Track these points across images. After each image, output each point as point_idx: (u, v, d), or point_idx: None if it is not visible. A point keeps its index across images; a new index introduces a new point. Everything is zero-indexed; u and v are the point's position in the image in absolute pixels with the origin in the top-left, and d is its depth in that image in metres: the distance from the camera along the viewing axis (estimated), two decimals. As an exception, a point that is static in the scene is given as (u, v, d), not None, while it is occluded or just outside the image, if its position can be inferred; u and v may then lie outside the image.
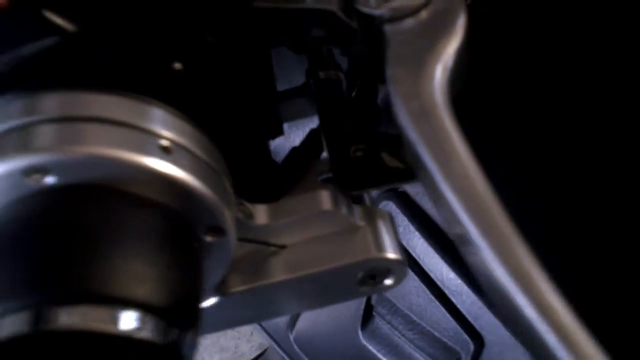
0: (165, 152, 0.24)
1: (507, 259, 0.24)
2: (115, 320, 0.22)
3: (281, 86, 0.36)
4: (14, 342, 0.21)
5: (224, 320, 0.33)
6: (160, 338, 0.22)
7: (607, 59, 0.36)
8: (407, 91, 0.27)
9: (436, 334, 0.55)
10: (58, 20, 0.25)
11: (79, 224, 0.23)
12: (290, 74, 0.36)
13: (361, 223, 0.30)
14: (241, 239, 0.28)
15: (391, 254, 0.30)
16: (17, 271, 0.22)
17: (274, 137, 0.34)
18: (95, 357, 0.21)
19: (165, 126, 0.25)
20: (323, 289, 0.31)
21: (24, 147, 0.23)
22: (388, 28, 0.29)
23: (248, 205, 0.29)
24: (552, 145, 0.36)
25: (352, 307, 0.61)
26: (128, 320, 0.22)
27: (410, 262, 0.51)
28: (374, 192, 0.46)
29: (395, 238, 0.31)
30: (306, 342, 0.67)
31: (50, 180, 0.23)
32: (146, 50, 0.27)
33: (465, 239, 0.25)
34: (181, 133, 0.25)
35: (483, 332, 0.51)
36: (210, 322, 0.31)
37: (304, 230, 0.30)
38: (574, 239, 0.36)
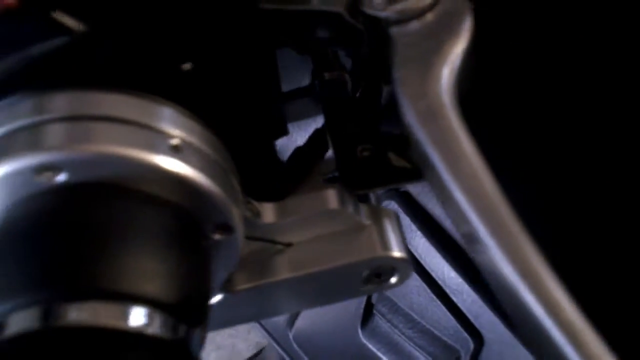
0: (175, 151, 0.24)
1: (515, 257, 0.24)
2: (124, 316, 0.22)
3: (286, 86, 0.36)
4: (24, 338, 0.21)
5: (227, 317, 0.33)
6: (168, 334, 0.23)
7: (617, 59, 0.36)
8: (414, 92, 0.27)
9: (436, 332, 0.55)
10: (67, 21, 0.26)
11: (89, 222, 0.23)
12: (295, 75, 0.36)
13: (367, 222, 0.31)
14: (248, 237, 0.28)
15: (397, 253, 0.30)
16: (28, 268, 0.23)
17: (279, 136, 0.34)
18: (105, 353, 0.21)
19: (174, 125, 0.25)
20: (328, 287, 0.31)
21: (35, 146, 0.23)
22: (394, 30, 0.29)
23: (255, 203, 0.29)
24: (560, 144, 0.36)
25: (352, 306, 0.61)
26: (137, 316, 0.22)
27: (412, 261, 0.51)
28: (378, 192, 0.46)
29: (401, 237, 0.31)
30: (305, 340, 0.67)
31: (61, 178, 0.23)
32: (155, 51, 0.28)
33: (473, 238, 0.25)
34: (190, 132, 0.26)
35: (483, 331, 0.51)
36: (213, 319, 0.31)
37: (311, 228, 0.30)
38: (582, 237, 0.36)
